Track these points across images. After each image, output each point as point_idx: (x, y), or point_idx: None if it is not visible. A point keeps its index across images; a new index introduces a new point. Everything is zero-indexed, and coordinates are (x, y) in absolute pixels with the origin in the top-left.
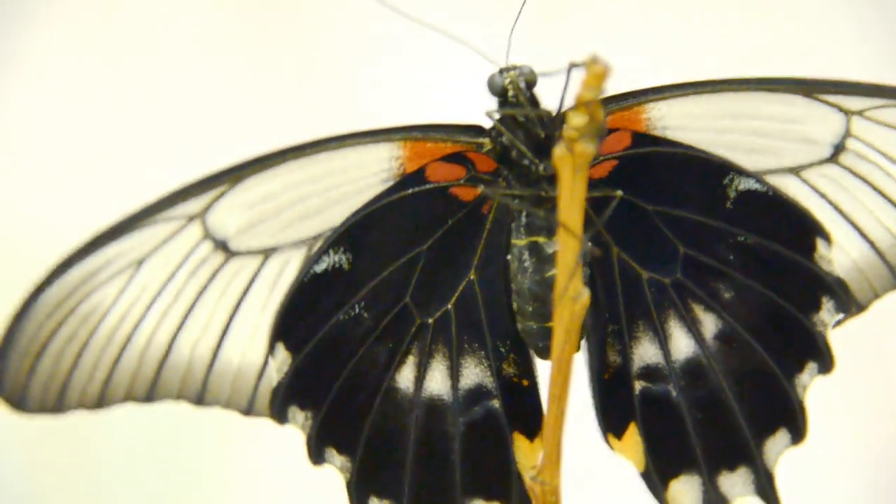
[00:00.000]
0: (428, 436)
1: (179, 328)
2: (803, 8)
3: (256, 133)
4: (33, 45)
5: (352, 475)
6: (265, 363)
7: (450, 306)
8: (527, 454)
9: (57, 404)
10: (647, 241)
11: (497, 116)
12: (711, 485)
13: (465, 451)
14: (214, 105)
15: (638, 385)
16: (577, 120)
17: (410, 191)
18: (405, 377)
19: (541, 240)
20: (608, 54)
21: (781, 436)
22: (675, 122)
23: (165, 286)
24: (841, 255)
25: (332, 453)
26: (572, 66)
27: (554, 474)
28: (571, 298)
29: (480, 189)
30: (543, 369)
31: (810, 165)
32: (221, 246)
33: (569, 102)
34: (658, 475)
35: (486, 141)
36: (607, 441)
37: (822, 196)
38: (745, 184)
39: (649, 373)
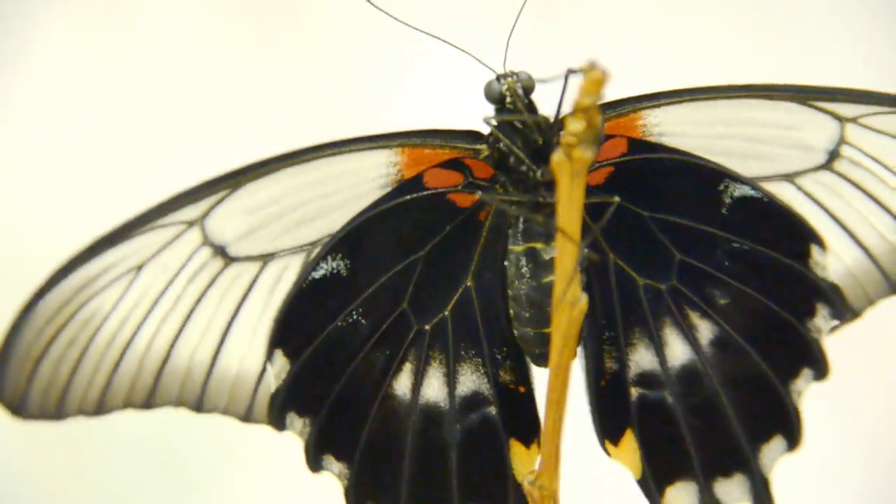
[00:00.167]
0: (425, 443)
1: (178, 334)
2: (801, 13)
3: (256, 133)
4: (34, 45)
5: (349, 482)
6: (263, 370)
7: (447, 313)
8: (523, 461)
9: (56, 410)
10: (644, 248)
11: (495, 123)
12: (708, 491)
13: (461, 458)
14: (215, 105)
15: (634, 391)
16: (575, 126)
17: (408, 197)
18: (402, 384)
19: (538, 246)
20: (606, 60)
21: (777, 442)
22: (672, 128)
23: (164, 292)
24: (835, 261)
25: (329, 460)
26: (570, 72)
27: (552, 479)
28: (570, 303)
29: (478, 195)
30: (540, 376)
31: (805, 172)
32: (220, 252)
33: (567, 108)
34: (654, 481)
35: (483, 147)
36: (604, 447)
37: (817, 202)
38: (741, 190)
39: (646, 379)
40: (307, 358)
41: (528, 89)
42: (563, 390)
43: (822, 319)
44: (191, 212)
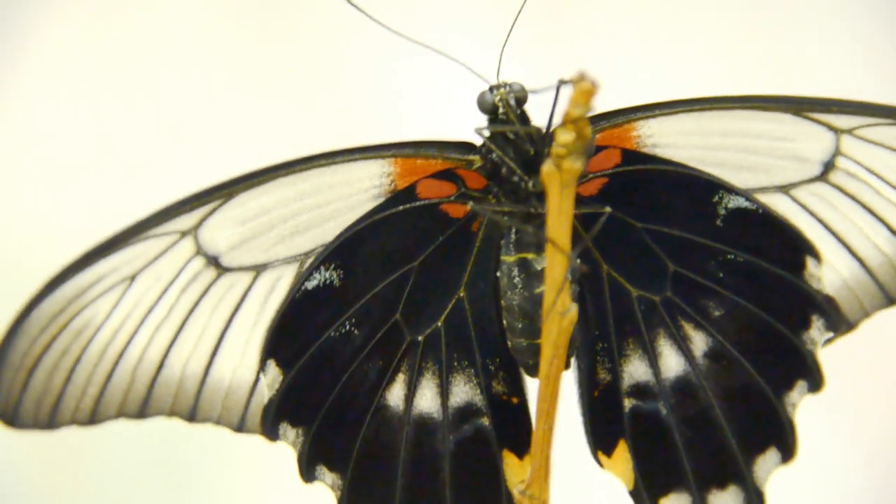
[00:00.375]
0: (418, 454)
1: (171, 344)
2: (801, 14)
3: (256, 133)
4: (34, 45)
5: (343, 493)
6: (256, 380)
7: (440, 324)
8: (516, 472)
9: (50, 420)
10: (637, 259)
11: (487, 133)
12: (702, 503)
13: (454, 468)
14: (214, 105)
15: (628, 403)
16: (564, 137)
17: (401, 207)
18: (395, 395)
19: (530, 256)
20: (603, 69)
21: (771, 454)
22: (665, 139)
23: (157, 302)
24: (831, 273)
25: (322, 471)
26: (561, 83)
27: (542, 489)
28: (559, 314)
29: (470, 206)
30: (533, 388)
31: (800, 183)
32: (213, 262)
33: (558, 119)
34: (647, 493)
35: (476, 158)
36: (597, 458)
37: (812, 214)
38: (735, 202)
39: (639, 390)
40: (300, 368)
41: (521, 100)
42: (554, 400)
43: (816, 331)
44: (184, 222)
